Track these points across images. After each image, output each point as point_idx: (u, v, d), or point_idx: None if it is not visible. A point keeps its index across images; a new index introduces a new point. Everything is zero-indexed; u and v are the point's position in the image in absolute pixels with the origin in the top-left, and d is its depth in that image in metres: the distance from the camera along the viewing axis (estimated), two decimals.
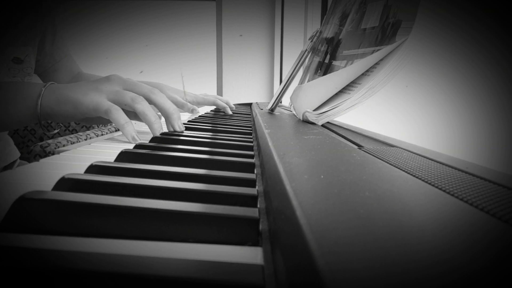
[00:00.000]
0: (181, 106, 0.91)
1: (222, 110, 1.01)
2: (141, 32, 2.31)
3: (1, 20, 0.75)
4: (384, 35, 0.47)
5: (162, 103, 0.54)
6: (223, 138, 0.50)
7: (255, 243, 0.19)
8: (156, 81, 0.93)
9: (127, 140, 0.49)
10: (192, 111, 0.90)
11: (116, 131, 1.20)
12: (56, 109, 0.51)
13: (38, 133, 1.52)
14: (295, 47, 1.84)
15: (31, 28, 0.81)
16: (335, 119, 0.51)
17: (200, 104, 0.99)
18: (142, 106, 0.50)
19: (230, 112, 1.01)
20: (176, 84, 1.01)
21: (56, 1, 0.88)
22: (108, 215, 0.19)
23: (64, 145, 1.39)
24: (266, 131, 0.40)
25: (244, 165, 0.34)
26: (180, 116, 0.55)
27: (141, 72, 2.08)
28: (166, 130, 0.54)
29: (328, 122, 0.53)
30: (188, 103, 0.91)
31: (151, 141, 0.47)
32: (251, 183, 0.28)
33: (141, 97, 0.51)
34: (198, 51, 2.29)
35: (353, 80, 0.50)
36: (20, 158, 0.92)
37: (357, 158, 0.26)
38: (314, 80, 0.59)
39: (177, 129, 0.54)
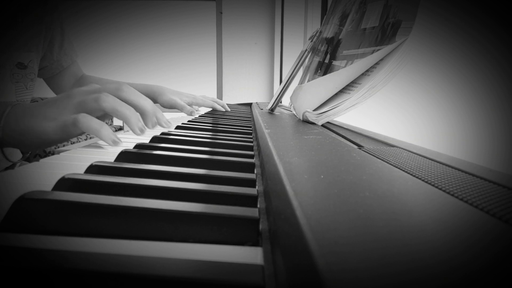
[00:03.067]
0: (180, 108, 0.92)
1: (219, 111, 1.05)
2: (141, 32, 2.31)
3: (5, 23, 0.75)
4: (384, 35, 0.47)
5: (135, 99, 0.45)
6: (223, 138, 0.50)
7: (255, 243, 0.19)
8: (156, 81, 0.94)
9: (127, 140, 0.49)
10: (191, 113, 0.91)
11: (116, 131, 1.20)
12: (20, 139, 0.45)
13: None
14: (295, 47, 1.84)
15: (36, 32, 0.81)
16: (335, 119, 0.51)
17: (199, 105, 1.01)
18: (110, 102, 0.42)
19: (228, 109, 1.07)
20: (176, 84, 1.01)
21: (59, 1, 0.88)
22: (108, 215, 0.19)
23: (64, 145, 1.39)
24: (266, 131, 0.40)
25: (244, 165, 0.34)
26: (160, 115, 0.49)
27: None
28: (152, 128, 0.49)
29: (328, 122, 0.53)
30: (187, 106, 0.92)
31: (151, 141, 0.47)
32: (251, 183, 0.28)
33: (106, 93, 0.43)
34: (198, 51, 2.29)
35: (353, 80, 0.50)
36: (21, 158, 0.92)
37: (357, 158, 0.26)
38: (314, 80, 0.59)
39: (164, 126, 0.48)
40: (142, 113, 0.46)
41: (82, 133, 0.43)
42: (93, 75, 1.02)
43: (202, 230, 0.19)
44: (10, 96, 0.78)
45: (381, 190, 0.18)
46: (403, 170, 0.23)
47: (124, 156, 0.35)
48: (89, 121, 0.41)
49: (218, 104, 1.05)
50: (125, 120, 0.43)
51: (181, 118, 0.87)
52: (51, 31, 0.87)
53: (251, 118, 0.87)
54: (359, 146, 0.34)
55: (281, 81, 1.67)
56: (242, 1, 2.08)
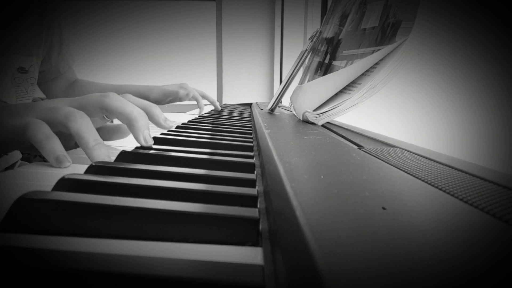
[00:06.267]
0: (172, 91, 0.95)
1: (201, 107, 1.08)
2: (141, 32, 2.31)
3: (5, 23, 0.75)
4: (384, 35, 0.47)
5: (120, 106, 0.38)
6: (223, 138, 0.50)
7: (255, 243, 0.19)
8: (155, 81, 0.96)
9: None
10: (184, 89, 0.93)
11: None
12: None
13: None
14: (295, 47, 1.84)
15: (36, 33, 0.81)
16: (335, 119, 0.51)
17: (187, 94, 1.03)
18: (78, 124, 0.35)
19: (219, 107, 1.11)
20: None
21: (59, 1, 0.88)
22: (108, 215, 0.19)
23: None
24: (266, 131, 0.40)
25: (244, 165, 0.34)
26: (148, 125, 0.40)
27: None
28: (113, 159, 0.36)
29: (328, 122, 0.53)
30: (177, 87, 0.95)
31: None
32: (251, 183, 0.28)
33: (82, 112, 0.36)
34: (198, 51, 2.29)
35: (353, 80, 0.50)
36: (21, 158, 0.92)
37: (357, 158, 0.26)
38: (314, 80, 0.59)
39: (142, 142, 0.38)
40: (129, 123, 0.39)
41: (30, 144, 0.35)
42: (86, 80, 1.02)
43: (202, 230, 0.19)
44: (11, 100, 0.78)
45: (381, 190, 0.18)
46: (403, 170, 0.23)
47: (123, 156, 0.35)
48: (38, 130, 0.34)
49: (208, 100, 1.07)
50: (84, 149, 0.35)
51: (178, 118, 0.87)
52: (51, 36, 0.87)
53: (251, 118, 0.87)
54: (359, 146, 0.34)
55: (281, 81, 1.67)
56: (242, 1, 2.08)
